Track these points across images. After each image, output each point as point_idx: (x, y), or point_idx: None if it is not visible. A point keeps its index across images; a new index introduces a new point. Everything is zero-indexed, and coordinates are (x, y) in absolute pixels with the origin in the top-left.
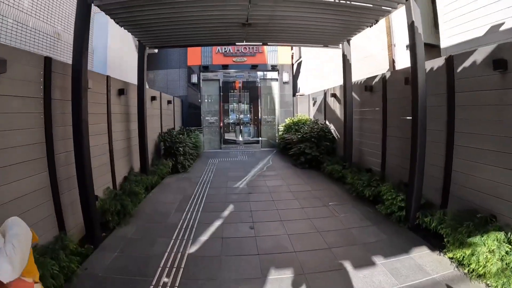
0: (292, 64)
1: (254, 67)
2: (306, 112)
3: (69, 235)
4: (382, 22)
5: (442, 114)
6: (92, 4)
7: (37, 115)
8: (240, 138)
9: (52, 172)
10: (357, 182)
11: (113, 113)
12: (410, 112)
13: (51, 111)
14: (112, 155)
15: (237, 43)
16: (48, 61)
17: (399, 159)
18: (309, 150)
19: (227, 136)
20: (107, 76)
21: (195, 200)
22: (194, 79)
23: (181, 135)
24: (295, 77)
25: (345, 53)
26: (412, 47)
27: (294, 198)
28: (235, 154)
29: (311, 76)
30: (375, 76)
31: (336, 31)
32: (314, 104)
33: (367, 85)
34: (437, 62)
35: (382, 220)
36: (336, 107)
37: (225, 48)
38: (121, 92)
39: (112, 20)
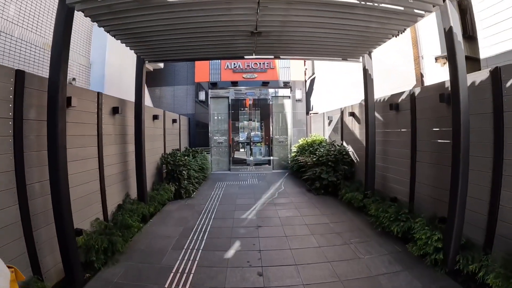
0: (305, 81)
1: (265, 84)
2: (320, 131)
3: (46, 278)
4: (406, 32)
5: (486, 138)
6: (75, 9)
7: (4, 139)
8: (251, 159)
9: (23, 205)
10: (382, 215)
11: (105, 134)
12: (446, 135)
13: (22, 134)
14: (103, 181)
15: (246, 57)
16: (20, 74)
17: (431, 189)
18: (326, 175)
19: (237, 156)
20: (98, 93)
21: (196, 234)
22: (202, 96)
23: (186, 157)
24: (308, 94)
25: (366, 67)
26: (451, 57)
27: (310, 233)
28: (244, 176)
29: (326, 93)
30: (401, 93)
31: (358, 41)
32: (329, 124)
33: (392, 103)
34: (479, 76)
35: (414, 263)
36: (355, 127)
37: (234, 64)
38: (115, 110)
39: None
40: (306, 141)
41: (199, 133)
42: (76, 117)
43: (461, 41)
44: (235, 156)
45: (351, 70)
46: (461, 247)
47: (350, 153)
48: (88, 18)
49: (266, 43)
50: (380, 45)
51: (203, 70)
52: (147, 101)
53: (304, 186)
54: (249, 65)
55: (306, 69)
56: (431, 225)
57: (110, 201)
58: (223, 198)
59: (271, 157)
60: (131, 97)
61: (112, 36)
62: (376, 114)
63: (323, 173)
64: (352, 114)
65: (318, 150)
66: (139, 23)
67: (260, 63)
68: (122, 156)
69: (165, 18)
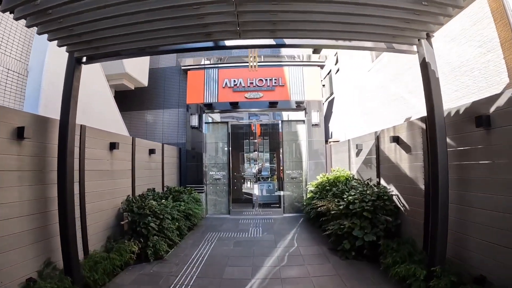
0: (322, 103)
1: (273, 104)
2: (344, 164)
3: None
4: (475, 8)
5: None
6: None
7: None
8: (256, 199)
9: None
10: None
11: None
12: None
13: None
14: None
15: (227, 43)
16: None
17: None
18: (360, 231)
19: (239, 196)
20: None
21: None
22: (195, 121)
23: (163, 200)
24: (326, 119)
25: (426, 59)
26: None
27: None
28: (246, 223)
29: (350, 114)
30: (494, 97)
31: (410, 12)
32: (357, 154)
33: (478, 115)
34: None
35: None
36: (401, 158)
37: (234, 81)
38: (20, 134)
39: None
40: (327, 178)
41: (192, 168)
42: None
43: None
44: (236, 197)
45: (390, 81)
46: None
47: (394, 197)
48: None
49: (256, 15)
50: (443, 24)
51: (196, 89)
52: (121, 128)
53: (326, 244)
54: (252, 82)
55: (324, 85)
56: None
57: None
58: (206, 265)
59: (282, 196)
60: (91, 119)
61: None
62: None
63: (356, 229)
64: (395, 139)
65: (345, 192)
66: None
67: (266, 80)
68: (41, 203)
69: None
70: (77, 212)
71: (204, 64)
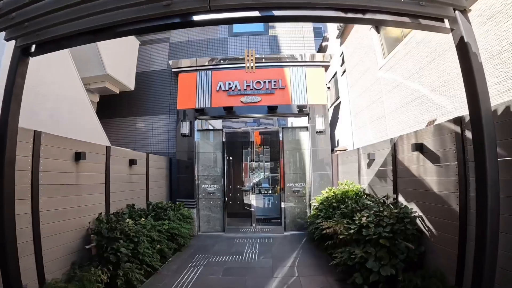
0: (327, 107)
1: (273, 109)
2: (353, 177)
3: None
4: None
5: None
6: None
7: None
8: (254, 214)
9: None
10: None
11: None
12: None
13: None
14: None
15: (195, 18)
16: None
17: None
18: (375, 263)
19: (235, 210)
20: None
21: None
22: (186, 128)
23: (142, 219)
24: (331, 126)
25: (465, 39)
26: None
27: None
28: (242, 243)
29: (358, 120)
30: None
31: None
32: (369, 165)
33: None
34: None
35: None
36: (427, 170)
37: (229, 84)
38: None
39: None
40: (334, 192)
41: (182, 180)
42: None
43: None
44: (232, 209)
45: (399, 77)
46: None
47: (418, 220)
48: None
49: None
50: None
51: (187, 93)
52: (100, 137)
53: (333, 273)
54: (249, 85)
55: (329, 87)
56: None
57: None
58: None
59: (283, 211)
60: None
61: None
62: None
63: (370, 260)
64: (418, 147)
65: (356, 212)
66: None
67: (265, 82)
68: None
69: None
70: (29, 235)
71: (197, 66)
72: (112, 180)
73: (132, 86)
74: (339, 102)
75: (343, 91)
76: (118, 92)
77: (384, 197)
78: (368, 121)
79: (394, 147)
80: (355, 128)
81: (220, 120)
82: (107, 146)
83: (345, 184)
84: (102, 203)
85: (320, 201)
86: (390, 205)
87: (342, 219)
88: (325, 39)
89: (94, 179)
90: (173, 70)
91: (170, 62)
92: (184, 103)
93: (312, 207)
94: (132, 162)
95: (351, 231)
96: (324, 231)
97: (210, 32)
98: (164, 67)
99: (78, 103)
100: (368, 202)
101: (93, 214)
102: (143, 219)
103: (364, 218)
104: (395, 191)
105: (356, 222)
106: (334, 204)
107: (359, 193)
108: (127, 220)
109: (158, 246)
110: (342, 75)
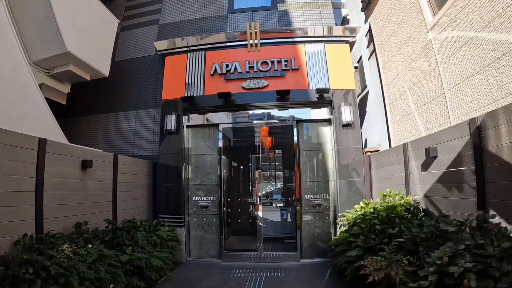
0: (356, 94)
1: (284, 95)
2: (395, 184)
3: None
4: None
5: None
6: None
7: None
8: (261, 234)
9: None
10: None
11: None
12: None
13: None
14: None
15: None
16: None
17: None
18: None
19: (236, 227)
20: None
21: None
22: (171, 124)
23: (89, 245)
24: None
25: None
26: None
27: None
28: (241, 278)
29: (398, 109)
30: None
31: None
32: (425, 166)
33: None
34: None
35: None
36: None
37: (227, 66)
38: None
39: None
40: (373, 207)
41: (168, 190)
42: None
43: None
44: (233, 227)
45: (463, 35)
46: None
47: None
48: None
49: None
50: None
51: (175, 80)
52: (51, 132)
53: None
54: (252, 66)
55: (356, 67)
56: None
57: None
58: None
59: (299, 232)
60: None
61: None
62: None
63: None
64: None
65: (424, 246)
66: None
67: (273, 62)
68: None
69: None
70: None
71: (187, 46)
72: (48, 187)
73: (106, 71)
74: (366, 93)
75: (371, 77)
76: (88, 79)
77: (479, 217)
78: (415, 107)
79: (478, 133)
80: (393, 121)
81: (217, 114)
82: (40, 139)
83: (389, 196)
84: (30, 220)
85: (351, 221)
86: (491, 230)
87: (398, 255)
88: (345, 20)
89: (17, 184)
90: (159, 53)
91: (156, 44)
92: (170, 92)
93: (338, 227)
94: (85, 164)
95: (425, 285)
96: (366, 270)
97: (207, 9)
98: (151, 53)
99: (23, 91)
100: (452, 229)
101: (13, 235)
102: (90, 246)
103: (445, 255)
104: (482, 204)
105: (431, 262)
106: (378, 227)
107: (412, 208)
108: (65, 246)
109: None
110: (369, 58)
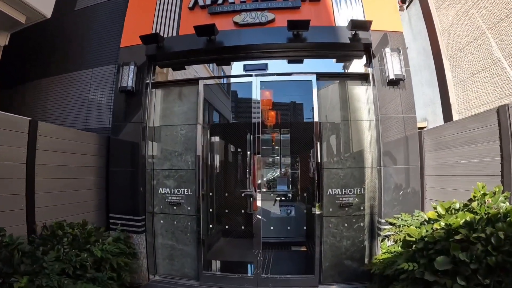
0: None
1: (299, 30)
2: (472, 172)
3: None
4: None
5: None
6: None
7: None
8: (259, 240)
9: None
10: None
11: None
12: None
13: None
14: None
15: None
16: None
17: None
18: None
19: (224, 232)
20: None
21: None
22: (128, 79)
23: None
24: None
25: None
26: None
27: None
28: None
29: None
30: None
31: None
32: None
33: None
34: None
35: None
36: None
37: None
38: None
39: None
40: (451, 221)
41: (118, 178)
42: None
43: None
44: (215, 244)
45: None
46: None
47: None
48: None
49: None
50: None
51: (140, 17)
52: None
53: None
54: None
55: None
56: None
57: None
58: None
59: (317, 242)
60: None
61: None
62: None
63: None
64: None
65: None
66: None
67: None
68: None
69: None
70: None
71: None
72: None
73: (47, 11)
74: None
75: (411, 30)
76: (24, 22)
77: None
78: (503, 54)
79: None
80: (456, 82)
81: (196, 67)
82: None
83: (484, 195)
84: None
85: (424, 238)
86: None
87: None
88: None
89: None
90: None
91: None
92: (132, 37)
93: (380, 239)
94: None
95: None
96: None
97: None
98: None
99: None
100: None
101: None
102: None
103: None
104: None
105: None
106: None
107: None
108: None
109: None
110: (407, 5)
